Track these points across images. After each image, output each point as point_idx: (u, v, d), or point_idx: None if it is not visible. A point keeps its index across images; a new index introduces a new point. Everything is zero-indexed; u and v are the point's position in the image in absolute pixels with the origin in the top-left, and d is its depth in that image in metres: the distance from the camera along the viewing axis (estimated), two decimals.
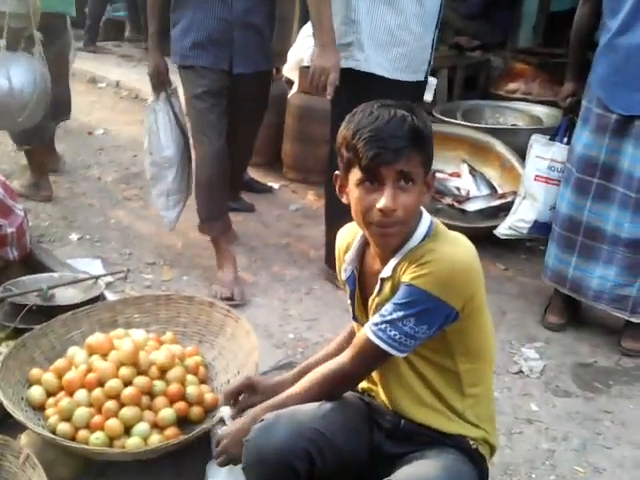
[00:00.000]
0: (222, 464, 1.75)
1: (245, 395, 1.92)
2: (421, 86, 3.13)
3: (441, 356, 1.66)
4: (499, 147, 4.20)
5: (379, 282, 1.66)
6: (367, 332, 1.62)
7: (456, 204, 3.93)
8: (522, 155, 4.03)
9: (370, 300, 1.70)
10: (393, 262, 1.62)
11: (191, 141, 3.40)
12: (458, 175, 4.23)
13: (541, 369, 2.78)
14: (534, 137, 3.30)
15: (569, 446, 2.39)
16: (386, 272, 1.64)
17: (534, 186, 3.21)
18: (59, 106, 4.14)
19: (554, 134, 3.22)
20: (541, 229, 3.23)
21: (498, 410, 2.48)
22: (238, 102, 3.35)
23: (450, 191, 4.10)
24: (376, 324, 1.60)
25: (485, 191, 4.07)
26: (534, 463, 2.30)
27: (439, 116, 4.64)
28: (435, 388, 1.68)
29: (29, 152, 4.05)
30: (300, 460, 1.59)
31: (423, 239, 1.61)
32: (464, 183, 4.16)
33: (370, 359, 1.65)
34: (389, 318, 1.57)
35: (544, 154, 3.18)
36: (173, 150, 3.39)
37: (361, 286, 1.76)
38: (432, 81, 3.29)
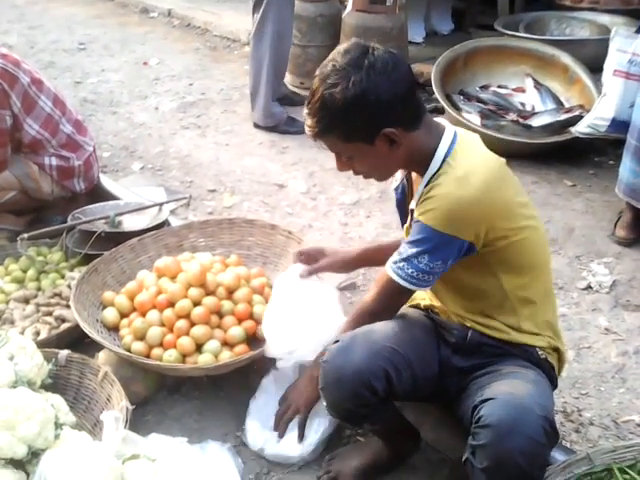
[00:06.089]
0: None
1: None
2: None
3: (484, 277, 1.63)
4: (565, 59, 4.01)
5: (410, 213, 1.67)
6: (387, 270, 1.64)
7: (521, 120, 3.76)
8: (590, 67, 3.85)
9: (407, 223, 1.71)
10: (419, 190, 1.61)
11: None
12: (522, 90, 4.06)
13: (610, 284, 2.71)
14: (617, 29, 3.11)
15: None
16: (413, 204, 1.64)
17: (613, 81, 3.04)
18: None
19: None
20: (619, 127, 3.06)
21: (566, 326, 2.45)
22: None
23: (514, 107, 3.94)
24: (395, 262, 1.62)
25: (551, 105, 3.90)
26: (603, 377, 2.27)
27: (501, 29, 4.43)
28: (484, 310, 1.67)
29: None
30: (378, 379, 1.61)
31: (443, 160, 1.57)
32: (529, 98, 3.99)
33: (392, 296, 1.70)
34: (405, 256, 1.60)
35: (626, 47, 3.01)
36: None
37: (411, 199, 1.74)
38: None
